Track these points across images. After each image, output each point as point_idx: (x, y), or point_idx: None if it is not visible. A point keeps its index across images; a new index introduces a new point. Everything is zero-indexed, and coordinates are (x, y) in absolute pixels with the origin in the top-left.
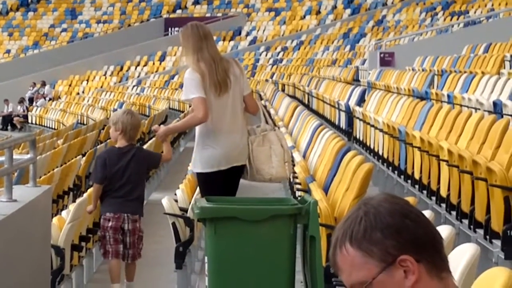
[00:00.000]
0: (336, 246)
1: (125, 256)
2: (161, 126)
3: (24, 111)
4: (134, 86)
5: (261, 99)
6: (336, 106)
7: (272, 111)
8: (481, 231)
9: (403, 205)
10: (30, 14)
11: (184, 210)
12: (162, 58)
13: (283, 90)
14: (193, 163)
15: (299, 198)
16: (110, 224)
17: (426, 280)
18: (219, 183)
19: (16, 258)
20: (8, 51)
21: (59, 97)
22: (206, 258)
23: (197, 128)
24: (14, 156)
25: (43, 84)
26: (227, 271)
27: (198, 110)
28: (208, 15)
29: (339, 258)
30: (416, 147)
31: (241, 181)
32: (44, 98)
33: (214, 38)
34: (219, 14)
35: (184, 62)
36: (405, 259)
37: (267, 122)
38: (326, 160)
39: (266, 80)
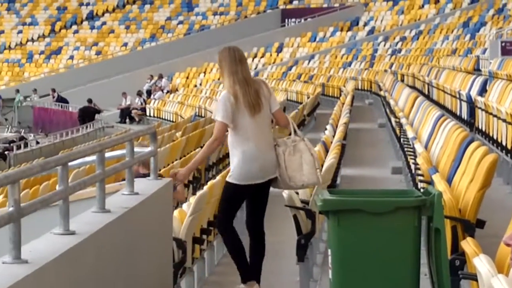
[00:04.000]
0: None
1: None
2: (179, 170)
3: (142, 104)
4: None
5: (380, 89)
6: (457, 96)
7: (391, 102)
8: None
9: None
10: (147, 7)
11: (305, 202)
12: (279, 50)
13: (402, 81)
14: (231, 174)
15: (422, 190)
16: None
17: None
18: (245, 196)
19: (139, 250)
20: (125, 44)
21: (177, 90)
22: (329, 250)
23: (239, 147)
24: (135, 149)
25: (160, 77)
26: (350, 263)
27: (215, 133)
28: (325, 5)
29: None
30: None
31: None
32: (162, 90)
33: (332, 28)
34: (336, 5)
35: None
36: None
37: (296, 133)
38: (448, 151)
39: (385, 71)
